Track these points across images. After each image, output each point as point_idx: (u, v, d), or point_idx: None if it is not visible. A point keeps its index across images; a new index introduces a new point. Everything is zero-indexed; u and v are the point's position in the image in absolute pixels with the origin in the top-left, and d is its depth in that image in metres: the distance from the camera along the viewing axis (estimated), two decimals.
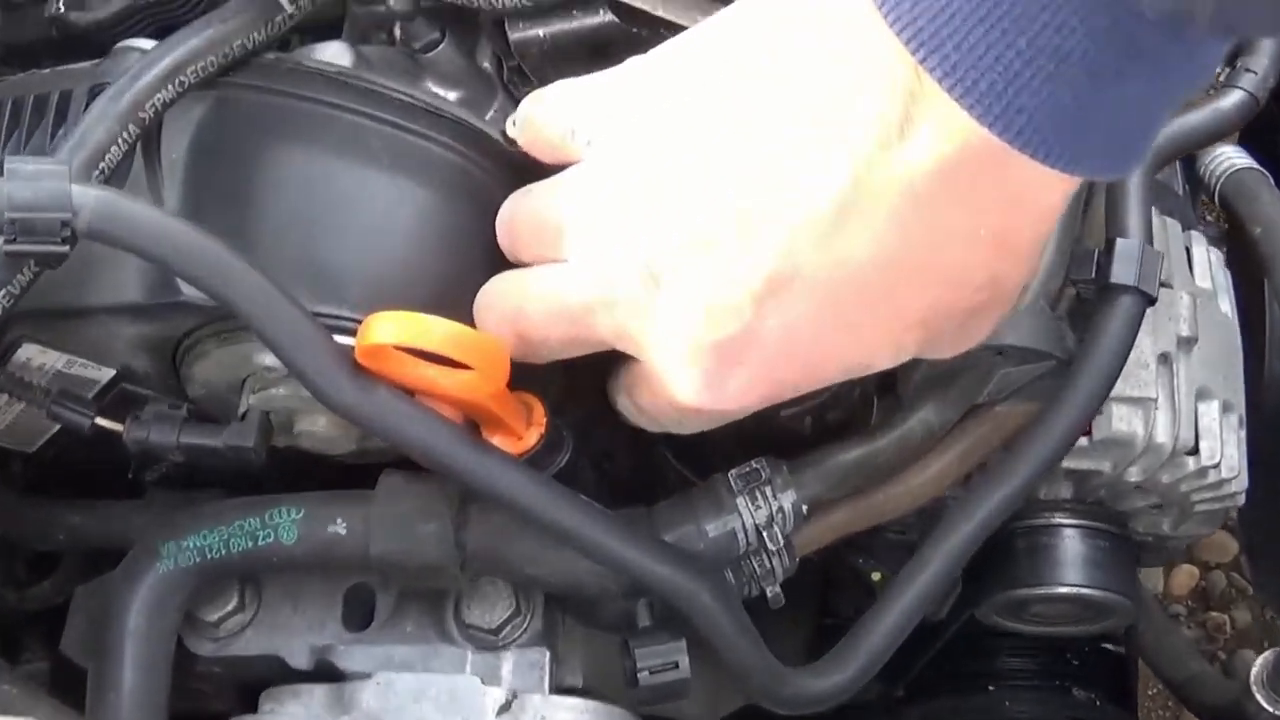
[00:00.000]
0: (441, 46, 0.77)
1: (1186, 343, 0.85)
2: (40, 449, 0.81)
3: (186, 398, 0.75)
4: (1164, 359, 0.83)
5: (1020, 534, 0.89)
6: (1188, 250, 0.88)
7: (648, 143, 0.65)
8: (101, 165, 0.67)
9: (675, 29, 0.70)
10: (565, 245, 0.67)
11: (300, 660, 0.78)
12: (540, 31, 0.75)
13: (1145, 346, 0.82)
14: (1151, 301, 0.76)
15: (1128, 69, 0.53)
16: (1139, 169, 0.59)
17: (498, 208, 0.72)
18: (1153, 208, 0.81)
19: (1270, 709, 0.92)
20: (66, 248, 0.63)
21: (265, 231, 0.70)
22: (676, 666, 0.74)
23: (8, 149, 0.72)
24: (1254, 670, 0.97)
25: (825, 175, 0.58)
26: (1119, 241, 0.76)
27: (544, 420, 0.72)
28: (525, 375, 0.70)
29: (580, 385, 0.74)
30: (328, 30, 0.79)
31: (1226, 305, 0.90)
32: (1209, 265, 0.89)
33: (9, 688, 0.72)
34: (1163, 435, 0.83)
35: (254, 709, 0.79)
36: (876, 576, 0.89)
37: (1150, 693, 1.63)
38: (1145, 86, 0.55)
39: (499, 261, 0.71)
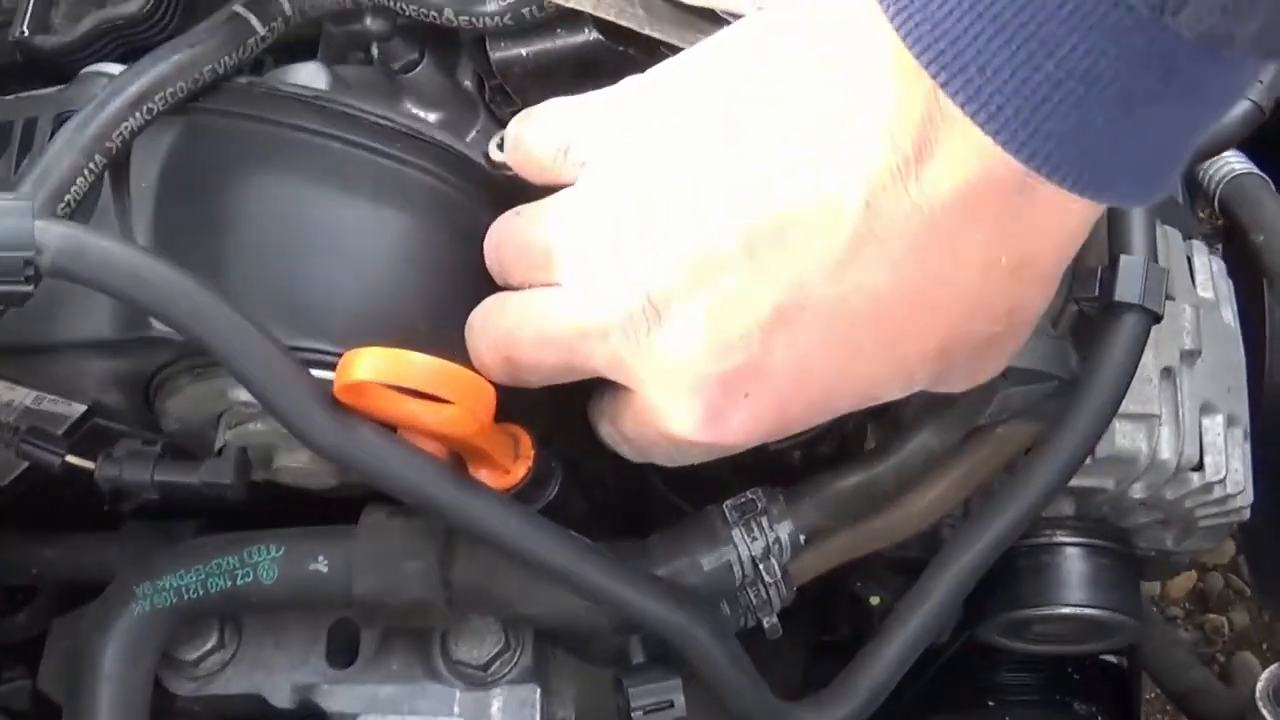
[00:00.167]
0: (421, 66, 0.75)
1: (1190, 356, 0.83)
2: (11, 483, 0.79)
3: (161, 432, 0.73)
4: (1167, 373, 0.82)
5: (1022, 553, 0.87)
6: (1189, 260, 0.87)
7: (639, 163, 0.63)
8: (67, 198, 0.65)
9: (666, 47, 0.69)
10: (557, 269, 0.65)
11: (283, 699, 0.77)
12: (523, 51, 0.73)
13: (1148, 361, 0.80)
14: (1157, 319, 0.75)
15: (1162, 92, 0.51)
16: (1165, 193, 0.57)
17: (481, 232, 0.70)
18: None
19: None
20: (30, 286, 0.61)
21: (239, 263, 0.68)
22: (671, 705, 0.72)
23: None
24: (1259, 685, 0.97)
25: (836, 200, 0.57)
26: (1123, 258, 0.74)
27: (531, 453, 0.70)
28: (512, 404, 0.68)
29: (569, 413, 0.72)
30: (303, 50, 0.77)
31: (1229, 315, 0.88)
32: (1211, 275, 0.88)
33: None
34: (1166, 452, 0.82)
35: None
36: (875, 600, 0.87)
37: (1149, 696, 1.62)
38: (1179, 110, 0.53)
39: (485, 289, 0.69)
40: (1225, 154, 0.98)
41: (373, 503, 0.74)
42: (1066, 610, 0.87)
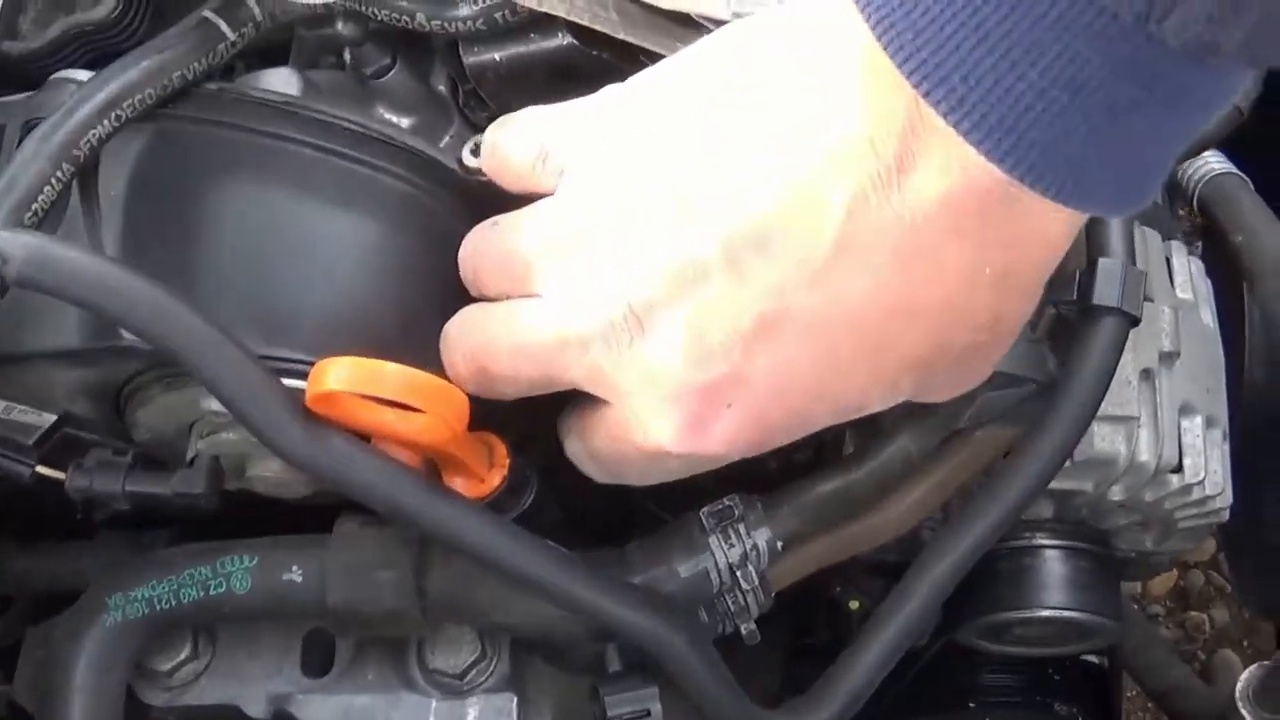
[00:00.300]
0: (393, 71, 0.74)
1: (1168, 358, 0.83)
2: None
3: (133, 442, 0.72)
4: (1146, 375, 0.82)
5: (1001, 555, 0.87)
6: (1168, 261, 0.86)
7: (619, 171, 0.62)
8: (35, 206, 0.64)
9: (643, 53, 0.68)
10: (537, 279, 0.65)
11: (257, 709, 0.77)
12: (496, 55, 0.72)
13: (1127, 363, 0.80)
14: (1135, 322, 0.74)
15: (1146, 100, 0.51)
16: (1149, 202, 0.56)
17: (455, 240, 0.69)
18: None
19: None
20: None
21: (210, 271, 0.67)
22: (648, 714, 0.72)
23: None
24: (1239, 685, 0.97)
25: (816, 207, 0.56)
26: (1101, 261, 0.74)
27: (506, 461, 0.70)
28: (487, 411, 0.68)
29: (545, 420, 0.72)
30: (275, 54, 0.76)
31: (1208, 316, 0.88)
32: (1189, 276, 0.87)
33: None
34: (1145, 454, 0.81)
35: None
36: (854, 605, 0.87)
37: (1129, 695, 1.62)
38: (1164, 118, 0.52)
39: (459, 297, 0.69)
40: (1204, 154, 0.97)
41: (346, 512, 0.73)
42: (1046, 613, 0.87)
